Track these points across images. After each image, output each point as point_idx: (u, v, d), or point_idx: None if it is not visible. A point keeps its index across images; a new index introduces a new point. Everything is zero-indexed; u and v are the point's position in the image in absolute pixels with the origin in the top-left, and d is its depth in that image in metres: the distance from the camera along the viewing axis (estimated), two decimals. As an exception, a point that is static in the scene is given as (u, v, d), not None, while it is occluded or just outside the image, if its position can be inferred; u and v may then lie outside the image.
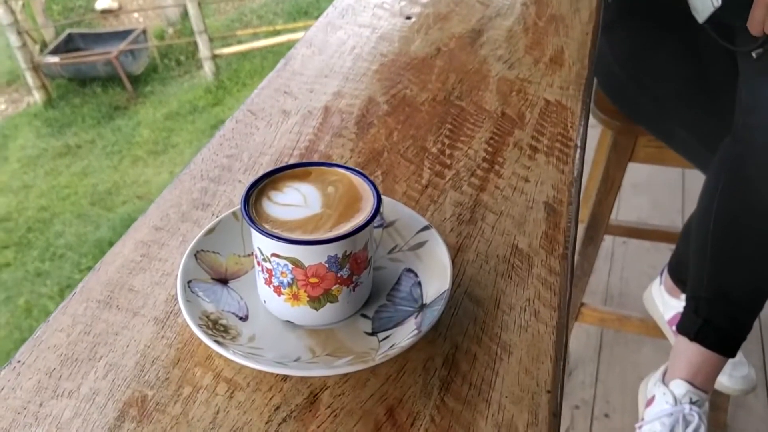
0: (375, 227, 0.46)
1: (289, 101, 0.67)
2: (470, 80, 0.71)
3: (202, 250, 0.45)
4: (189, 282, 0.42)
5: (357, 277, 0.41)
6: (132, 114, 4.97)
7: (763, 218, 0.95)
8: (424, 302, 0.42)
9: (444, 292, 0.41)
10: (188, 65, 5.42)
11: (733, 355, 1.06)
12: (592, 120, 1.29)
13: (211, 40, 5.17)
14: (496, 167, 0.58)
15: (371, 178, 0.53)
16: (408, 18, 0.84)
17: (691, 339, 1.06)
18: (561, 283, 0.46)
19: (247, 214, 0.40)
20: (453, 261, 0.47)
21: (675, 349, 1.13)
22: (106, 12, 5.96)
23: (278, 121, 0.64)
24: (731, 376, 1.27)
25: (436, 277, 0.43)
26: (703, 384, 1.08)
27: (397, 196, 0.54)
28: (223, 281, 0.44)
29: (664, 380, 1.13)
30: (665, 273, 1.35)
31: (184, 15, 5.49)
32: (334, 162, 0.48)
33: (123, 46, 5.15)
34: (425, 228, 0.46)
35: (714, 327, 1.04)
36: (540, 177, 0.57)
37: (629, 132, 1.27)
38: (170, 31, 5.78)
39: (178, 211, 0.53)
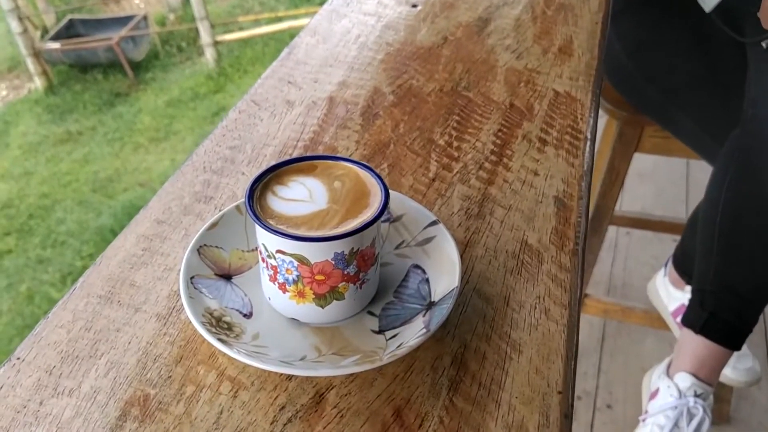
0: (382, 222, 0.45)
1: (293, 91, 0.66)
2: (478, 70, 0.69)
3: (205, 245, 0.44)
4: (192, 278, 0.41)
5: (364, 274, 0.40)
6: (133, 101, 4.94)
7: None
8: (432, 300, 0.41)
9: (453, 289, 0.40)
10: (189, 52, 5.38)
11: (738, 349, 1.05)
12: (598, 110, 1.27)
13: (212, 26, 5.13)
14: (505, 160, 0.57)
15: (378, 171, 0.52)
16: (414, 6, 0.82)
17: (697, 332, 1.05)
18: (572, 279, 0.45)
19: (251, 210, 0.38)
20: (461, 257, 0.46)
21: (680, 341, 1.12)
22: (107, -3, 5.91)
23: (282, 111, 0.63)
24: (735, 369, 1.27)
25: (444, 273, 0.42)
26: (708, 377, 1.08)
27: (403, 189, 0.53)
28: (227, 277, 0.43)
29: (669, 373, 1.13)
30: (670, 264, 1.34)
31: (186, 1, 5.45)
32: (340, 155, 0.47)
33: (124, 32, 5.11)
34: (433, 223, 0.45)
35: (720, 320, 1.03)
36: (550, 170, 0.56)
37: (635, 122, 1.25)
38: (171, 17, 5.74)
39: (180, 204, 0.52)
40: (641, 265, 1.95)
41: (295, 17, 5.31)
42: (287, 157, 0.56)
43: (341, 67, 0.70)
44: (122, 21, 5.33)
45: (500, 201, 0.52)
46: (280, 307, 0.41)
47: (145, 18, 5.40)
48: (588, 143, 0.59)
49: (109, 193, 4.14)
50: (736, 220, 1.00)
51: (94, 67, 5.19)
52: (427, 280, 0.43)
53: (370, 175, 0.42)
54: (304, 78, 0.69)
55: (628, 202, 2.16)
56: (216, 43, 5.17)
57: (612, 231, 2.04)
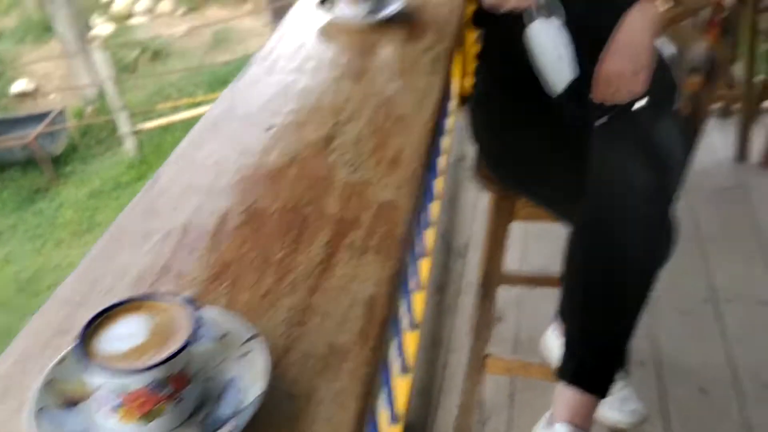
0: (207, 341, 0.55)
1: (154, 221, 0.75)
2: (318, 187, 0.80)
3: (54, 378, 0.52)
4: (40, 409, 0.49)
5: (180, 393, 0.49)
6: (53, 195, 4.92)
7: (616, 271, 1.09)
8: (245, 405, 0.50)
9: (260, 395, 0.49)
10: (109, 142, 5.42)
11: (604, 396, 1.17)
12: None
13: (131, 115, 5.21)
14: (330, 269, 0.67)
15: (210, 296, 0.61)
16: (269, 129, 0.94)
17: (567, 383, 1.16)
18: (369, 372, 0.55)
19: (81, 350, 0.47)
20: (280, 363, 0.56)
21: (556, 392, 1.23)
22: (22, 95, 5.92)
23: (140, 242, 0.72)
24: (621, 411, 1.39)
25: (257, 381, 0.52)
26: (583, 424, 1.18)
27: (238, 305, 0.63)
28: (73, 404, 0.51)
29: (550, 423, 1.23)
30: (558, 317, 1.46)
31: (102, 93, 5.52)
32: (165, 293, 0.56)
33: (41, 128, 5.12)
34: (253, 337, 0.55)
35: (586, 371, 1.15)
36: (367, 274, 0.66)
37: (507, 196, 1.39)
38: (89, 109, 5.79)
39: (41, 340, 0.59)
40: (548, 320, 2.07)
41: (213, 101, 5.44)
42: (144, 287, 0.65)
43: (199, 194, 0.80)
44: (39, 118, 5.33)
45: (320, 308, 0.62)
46: (112, 428, 0.49)
47: (62, 112, 5.43)
48: (402, 244, 0.71)
49: (34, 292, 4.06)
50: (587, 280, 1.13)
51: (11, 165, 5.15)
52: (242, 389, 0.52)
53: (189, 309, 0.51)
54: (164, 206, 0.78)
55: (531, 260, 2.29)
56: (136, 132, 5.24)
57: (517, 289, 2.16)
